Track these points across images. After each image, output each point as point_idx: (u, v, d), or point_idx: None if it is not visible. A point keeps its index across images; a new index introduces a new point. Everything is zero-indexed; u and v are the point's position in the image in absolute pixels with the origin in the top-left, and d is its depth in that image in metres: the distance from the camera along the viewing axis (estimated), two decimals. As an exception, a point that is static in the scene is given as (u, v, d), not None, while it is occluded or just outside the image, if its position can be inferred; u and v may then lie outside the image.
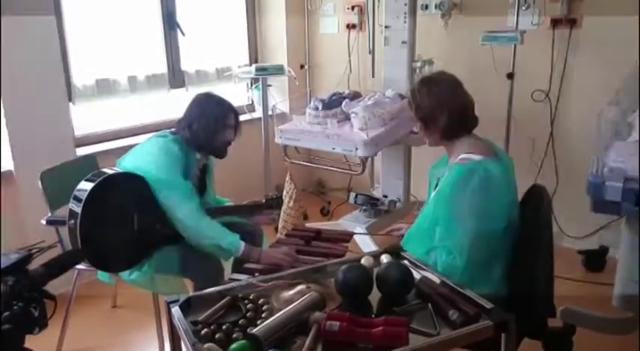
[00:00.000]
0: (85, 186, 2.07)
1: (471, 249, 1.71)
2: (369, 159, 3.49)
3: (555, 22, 3.22)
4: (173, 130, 2.38)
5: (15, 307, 1.20)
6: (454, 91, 1.89)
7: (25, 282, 1.23)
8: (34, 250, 1.31)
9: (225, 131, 2.38)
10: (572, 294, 2.80)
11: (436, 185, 1.93)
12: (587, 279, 3.06)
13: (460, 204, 1.74)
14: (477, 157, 1.80)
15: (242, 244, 2.18)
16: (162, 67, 3.65)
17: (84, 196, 2.04)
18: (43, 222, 2.38)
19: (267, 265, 2.07)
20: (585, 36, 3.19)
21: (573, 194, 3.11)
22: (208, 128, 2.31)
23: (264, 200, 2.56)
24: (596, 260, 3.18)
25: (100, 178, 2.11)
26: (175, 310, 1.43)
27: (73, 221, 2.03)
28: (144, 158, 2.25)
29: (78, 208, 2.02)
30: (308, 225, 3.36)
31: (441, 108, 1.85)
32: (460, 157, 1.83)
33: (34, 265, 1.31)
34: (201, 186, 2.48)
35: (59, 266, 1.37)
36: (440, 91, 1.88)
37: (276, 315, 1.35)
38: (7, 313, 1.19)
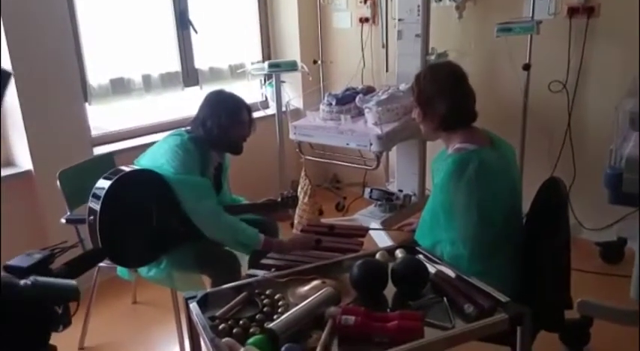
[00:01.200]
0: (103, 184, 2.10)
1: (473, 238, 1.73)
2: (384, 154, 3.49)
3: (572, 11, 3.16)
4: (188, 128, 2.41)
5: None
6: (458, 82, 1.89)
7: None
8: (56, 250, 1.34)
9: (239, 127, 2.39)
10: (589, 286, 2.79)
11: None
12: (604, 271, 3.03)
13: (458, 195, 1.75)
14: (471, 147, 1.80)
15: (261, 237, 2.22)
16: (175, 66, 3.67)
17: (102, 193, 2.07)
18: (63, 221, 2.42)
19: (290, 253, 2.19)
20: (603, 25, 3.13)
21: (591, 185, 3.08)
22: (221, 125, 2.33)
23: (279, 199, 2.57)
24: (614, 252, 3.15)
25: (118, 176, 2.14)
26: (193, 306, 1.45)
27: (92, 217, 2.07)
28: (162, 157, 2.27)
29: (97, 206, 2.06)
30: (323, 220, 3.37)
31: (443, 96, 1.84)
32: (455, 147, 1.84)
33: (57, 263, 1.34)
34: (217, 185, 2.50)
35: (81, 265, 1.39)
36: (444, 79, 1.88)
37: (292, 310, 1.36)
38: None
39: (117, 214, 2.09)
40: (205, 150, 2.36)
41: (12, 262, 1.26)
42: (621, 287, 2.66)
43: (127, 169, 2.24)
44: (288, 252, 2.19)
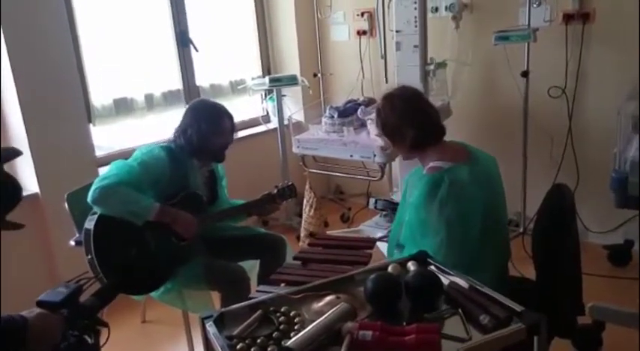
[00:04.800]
0: (89, 224, 2.13)
1: (445, 258, 1.73)
2: (388, 164, 3.50)
3: (568, 18, 3.20)
4: (171, 138, 2.40)
5: (71, 338, 1.29)
6: (417, 104, 1.93)
7: (79, 313, 1.32)
8: (82, 280, 1.37)
9: (219, 135, 2.38)
10: (598, 289, 2.77)
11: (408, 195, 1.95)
12: (613, 274, 3.04)
13: (431, 216, 1.78)
14: (445, 165, 1.82)
15: (156, 205, 2.16)
16: (177, 84, 3.70)
17: (90, 234, 2.10)
18: (72, 243, 2.42)
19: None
20: (599, 30, 3.17)
21: (596, 189, 3.09)
22: (201, 133, 2.32)
23: (275, 191, 2.54)
24: (621, 255, 3.16)
25: (97, 216, 2.14)
26: (210, 325, 1.44)
27: (90, 257, 2.10)
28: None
29: (90, 248, 2.09)
30: (329, 232, 3.38)
31: (405, 123, 1.89)
32: (429, 166, 1.86)
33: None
34: (212, 195, 2.49)
35: (108, 295, 1.46)
36: (401, 106, 1.91)
37: (309, 327, 1.35)
38: (65, 343, 1.28)
39: (112, 249, 2.11)
40: (185, 158, 2.35)
41: (44, 297, 1.30)
42: (630, 290, 2.66)
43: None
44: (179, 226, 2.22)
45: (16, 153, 1.35)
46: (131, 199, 2.14)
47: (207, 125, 2.33)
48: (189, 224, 2.24)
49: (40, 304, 1.29)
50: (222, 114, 2.40)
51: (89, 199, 2.14)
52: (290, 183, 2.60)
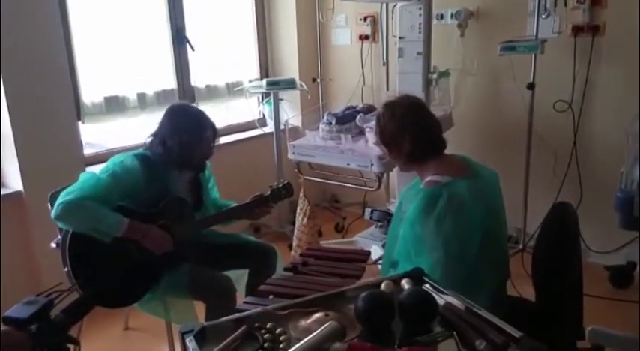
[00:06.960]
0: (65, 236, 2.04)
1: (441, 276, 1.66)
2: (385, 174, 3.41)
3: (577, 30, 3.12)
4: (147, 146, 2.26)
5: None
6: (417, 114, 1.87)
7: (48, 329, 1.22)
8: (53, 295, 1.28)
9: (202, 147, 2.25)
10: (598, 312, 2.68)
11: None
12: (614, 296, 2.96)
13: (427, 232, 1.72)
14: (443, 179, 1.76)
15: (125, 222, 2.03)
16: (171, 83, 3.61)
17: (67, 247, 2.02)
18: (53, 245, 2.32)
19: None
20: (609, 44, 3.09)
21: (599, 207, 3.01)
22: (182, 145, 2.18)
23: (268, 192, 2.43)
24: (623, 276, 3.07)
25: (70, 233, 2.04)
26: (190, 340, 1.35)
27: (67, 269, 2.01)
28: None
29: (67, 261, 2.02)
30: (322, 242, 3.28)
31: (404, 131, 1.83)
32: (427, 180, 1.80)
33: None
34: (196, 201, 2.38)
35: (79, 311, 1.36)
36: (403, 114, 1.86)
37: (295, 346, 1.27)
38: None
39: (89, 258, 2.03)
40: (164, 168, 2.22)
41: (11, 312, 1.20)
42: (631, 313, 2.58)
43: None
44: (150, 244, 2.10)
45: None
46: (96, 216, 2.01)
47: (189, 137, 2.18)
48: (160, 241, 2.13)
49: (5, 320, 1.19)
50: (207, 125, 2.25)
51: (52, 215, 2.02)
52: (285, 182, 2.49)
